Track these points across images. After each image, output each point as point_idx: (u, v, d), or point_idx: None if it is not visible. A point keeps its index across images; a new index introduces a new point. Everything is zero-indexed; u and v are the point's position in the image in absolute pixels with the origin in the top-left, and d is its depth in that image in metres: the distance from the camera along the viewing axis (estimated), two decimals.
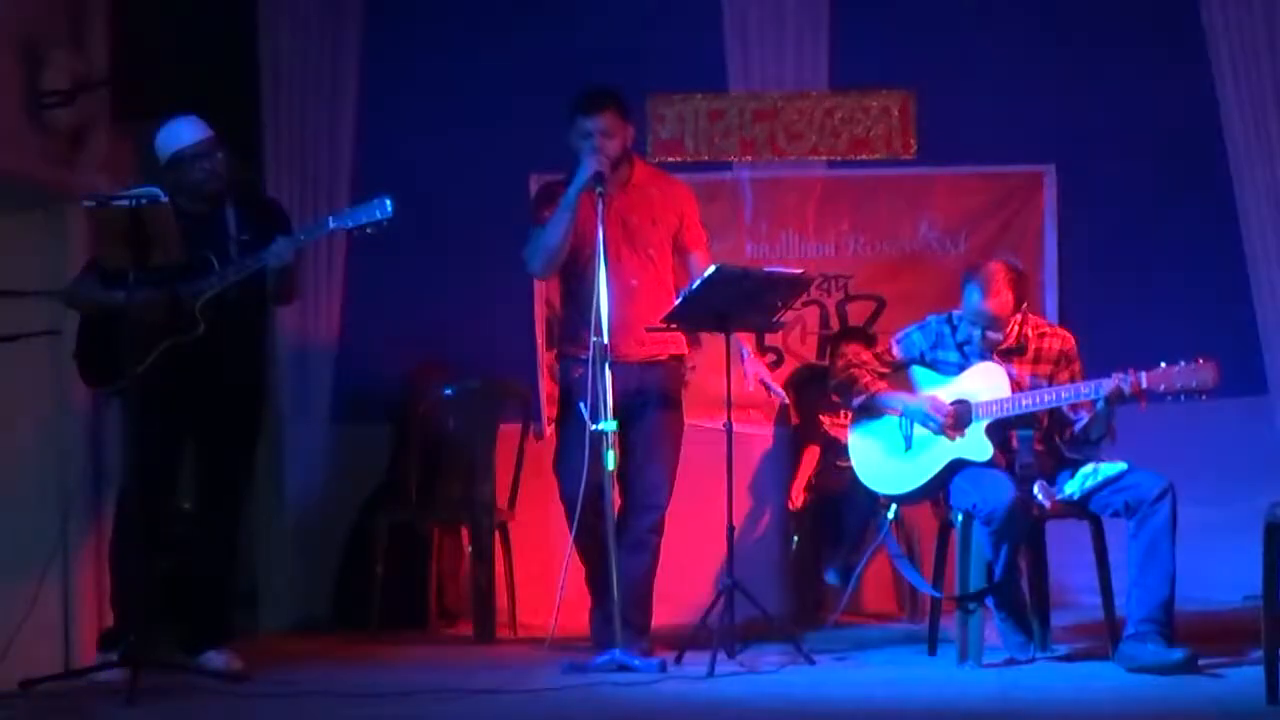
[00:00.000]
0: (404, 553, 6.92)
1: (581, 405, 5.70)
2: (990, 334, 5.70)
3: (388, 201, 5.63)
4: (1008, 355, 5.74)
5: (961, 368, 5.76)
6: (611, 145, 5.84)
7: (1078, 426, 5.66)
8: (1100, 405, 5.51)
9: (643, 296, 5.90)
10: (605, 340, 5.62)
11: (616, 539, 5.66)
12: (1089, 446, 5.68)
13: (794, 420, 7.28)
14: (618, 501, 5.80)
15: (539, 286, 7.25)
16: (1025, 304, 5.78)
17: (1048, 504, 5.56)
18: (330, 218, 5.83)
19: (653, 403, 5.93)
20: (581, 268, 5.90)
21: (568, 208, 5.82)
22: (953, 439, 5.65)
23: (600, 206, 5.69)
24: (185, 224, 5.43)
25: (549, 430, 6.90)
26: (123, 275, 5.36)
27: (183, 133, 5.76)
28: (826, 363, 7.20)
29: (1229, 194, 7.17)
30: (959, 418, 5.67)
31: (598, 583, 5.94)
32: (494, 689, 5.29)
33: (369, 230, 5.69)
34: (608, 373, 5.61)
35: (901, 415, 5.77)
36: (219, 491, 5.84)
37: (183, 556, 5.84)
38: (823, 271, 7.38)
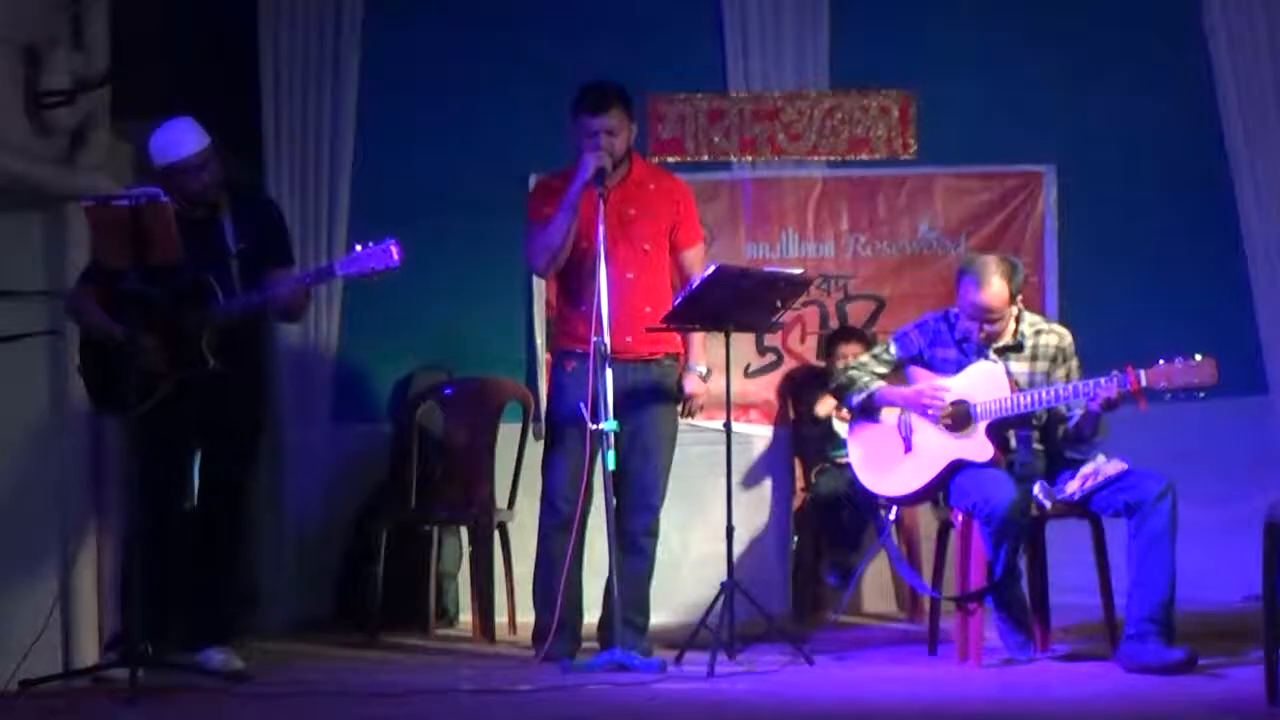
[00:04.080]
0: (404, 553, 6.92)
1: (581, 405, 5.69)
2: (988, 327, 5.70)
3: (393, 249, 5.58)
4: (1005, 353, 5.74)
5: (960, 365, 5.76)
6: (616, 144, 5.83)
7: (1071, 424, 5.67)
8: (1096, 403, 5.51)
9: (638, 290, 5.87)
10: (606, 340, 5.62)
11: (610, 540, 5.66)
12: (1082, 445, 5.68)
13: (795, 414, 7.28)
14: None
15: (539, 286, 7.25)
16: (1020, 298, 5.77)
17: (1048, 504, 5.56)
18: (337, 264, 5.75)
19: (647, 401, 5.90)
20: (577, 263, 5.89)
21: (570, 206, 5.80)
22: (952, 436, 5.65)
23: (601, 205, 5.68)
24: (181, 230, 5.41)
25: None
26: (123, 275, 5.37)
27: (182, 142, 5.71)
28: (824, 363, 7.21)
29: (1229, 194, 7.17)
30: (958, 418, 5.67)
31: (551, 589, 5.85)
32: (494, 689, 5.29)
33: (374, 276, 5.67)
34: (608, 373, 5.61)
35: (902, 409, 5.77)
36: (221, 491, 5.84)
37: (185, 556, 5.84)
38: (822, 271, 7.38)
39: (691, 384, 6.04)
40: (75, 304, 5.82)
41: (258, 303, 5.71)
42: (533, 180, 6.83)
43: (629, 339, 5.80)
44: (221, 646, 5.75)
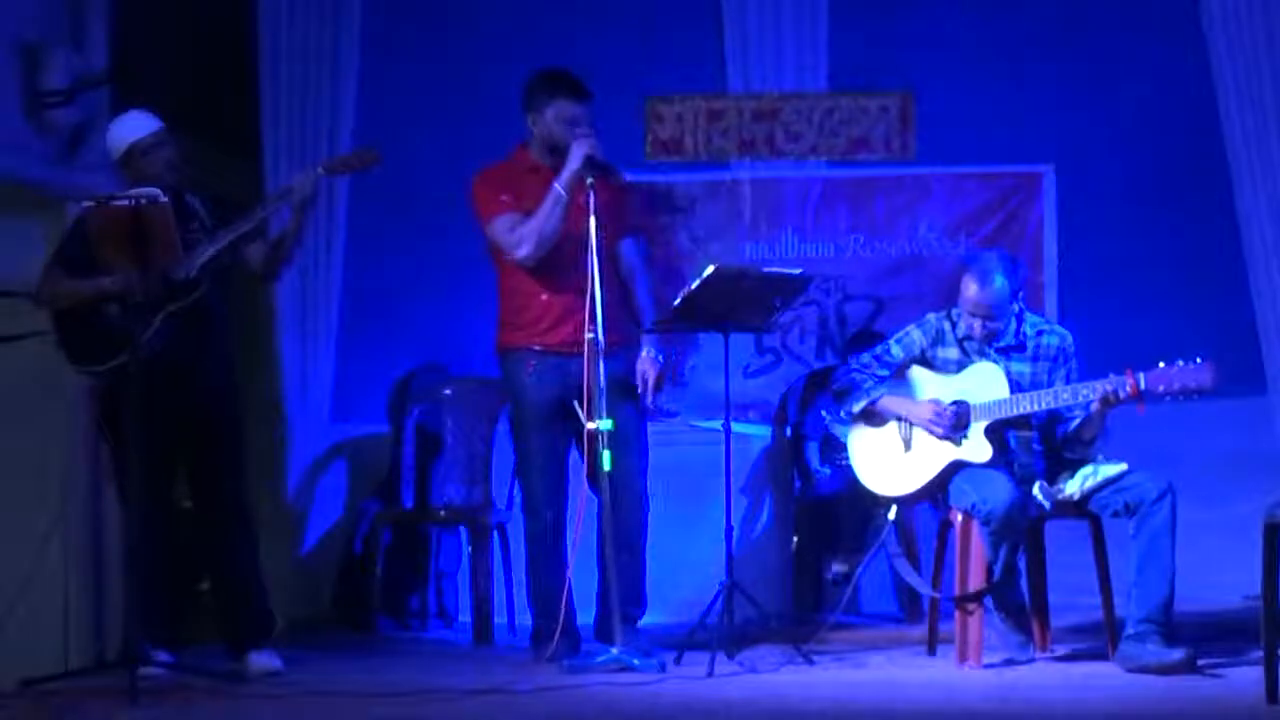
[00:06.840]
0: (404, 553, 6.92)
1: (576, 405, 5.68)
2: (989, 323, 5.70)
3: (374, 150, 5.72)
4: (1007, 352, 5.74)
5: (961, 365, 5.76)
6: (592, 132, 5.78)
7: (1071, 426, 5.67)
8: (1095, 406, 5.51)
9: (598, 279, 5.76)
10: (601, 337, 5.58)
11: (601, 538, 5.65)
12: (1081, 447, 5.68)
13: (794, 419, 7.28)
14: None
15: None
16: (1022, 295, 5.77)
17: (1048, 504, 5.56)
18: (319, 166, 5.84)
19: (619, 393, 5.78)
20: (545, 255, 5.79)
21: (566, 192, 5.71)
22: (957, 444, 5.65)
23: (592, 195, 5.59)
24: None
25: None
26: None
27: (136, 125, 5.71)
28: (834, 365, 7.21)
29: (1229, 194, 7.15)
30: (959, 420, 5.67)
31: (544, 595, 5.85)
32: (493, 689, 5.28)
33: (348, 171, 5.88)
34: (601, 369, 5.57)
35: (903, 422, 5.77)
36: (212, 495, 5.77)
37: (187, 557, 5.83)
38: (822, 271, 7.37)
39: (644, 364, 5.88)
40: (52, 287, 5.70)
41: (255, 219, 5.67)
42: None
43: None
44: (263, 648, 5.71)
